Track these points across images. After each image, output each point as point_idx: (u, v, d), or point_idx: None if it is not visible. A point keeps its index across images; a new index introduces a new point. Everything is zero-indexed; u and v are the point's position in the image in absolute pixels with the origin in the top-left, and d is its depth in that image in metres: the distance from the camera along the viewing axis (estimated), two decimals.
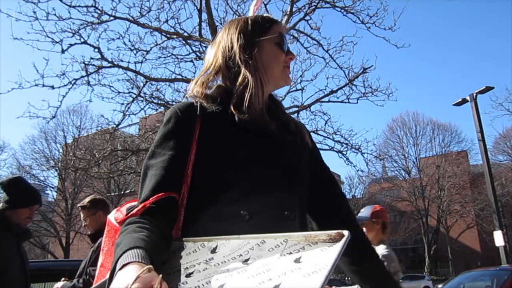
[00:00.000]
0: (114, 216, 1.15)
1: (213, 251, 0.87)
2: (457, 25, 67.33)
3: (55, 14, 8.02)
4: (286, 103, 10.10)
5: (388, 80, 22.52)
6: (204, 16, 8.76)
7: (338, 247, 0.74)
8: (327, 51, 9.61)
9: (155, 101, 9.85)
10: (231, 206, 1.03)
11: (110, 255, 1.11)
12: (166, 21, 8.86)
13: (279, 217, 1.05)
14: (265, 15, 1.28)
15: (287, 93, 10.23)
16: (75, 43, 8.35)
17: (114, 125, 9.81)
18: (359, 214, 3.41)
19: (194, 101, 1.15)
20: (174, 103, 10.15)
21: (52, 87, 8.25)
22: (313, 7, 9.18)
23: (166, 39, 9.29)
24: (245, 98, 1.11)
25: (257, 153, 1.09)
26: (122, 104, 9.36)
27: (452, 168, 32.46)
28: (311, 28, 9.45)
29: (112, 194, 27.17)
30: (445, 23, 66.96)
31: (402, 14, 9.60)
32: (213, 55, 1.22)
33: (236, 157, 1.07)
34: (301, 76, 10.27)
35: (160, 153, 1.07)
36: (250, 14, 1.31)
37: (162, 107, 10.31)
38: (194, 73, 10.34)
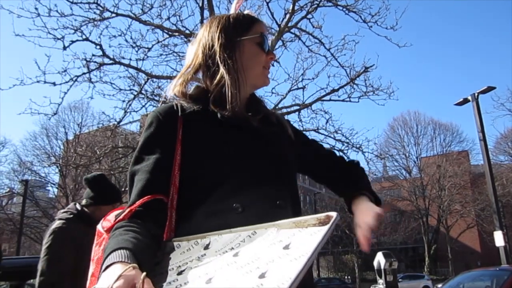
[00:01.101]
0: (102, 225, 1.14)
1: (206, 247, 0.87)
2: (459, 25, 67.21)
3: (57, 11, 8.03)
4: (287, 102, 10.13)
5: (389, 79, 22.53)
6: (206, 13, 8.76)
7: (325, 228, 0.75)
8: (328, 50, 9.60)
9: (157, 98, 9.84)
10: (223, 201, 1.03)
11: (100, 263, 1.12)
12: (168, 18, 8.86)
13: (271, 206, 1.05)
14: (246, 12, 1.27)
15: (289, 91, 10.24)
16: (77, 40, 8.35)
17: (115, 122, 9.81)
18: None
19: (174, 103, 1.15)
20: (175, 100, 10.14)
21: (54, 84, 8.26)
22: (315, 5, 9.17)
23: (167, 36, 9.28)
24: (225, 96, 1.12)
25: (243, 147, 1.10)
26: (124, 101, 9.36)
27: (453, 168, 32.45)
28: (313, 27, 9.44)
29: None
30: (447, 23, 66.84)
31: (404, 13, 9.61)
32: (193, 53, 1.22)
33: (223, 153, 1.08)
34: (302, 74, 10.25)
35: (144, 158, 1.07)
36: (232, 11, 1.30)
37: (164, 104, 10.30)
38: None
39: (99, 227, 1.16)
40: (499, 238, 13.28)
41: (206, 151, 1.08)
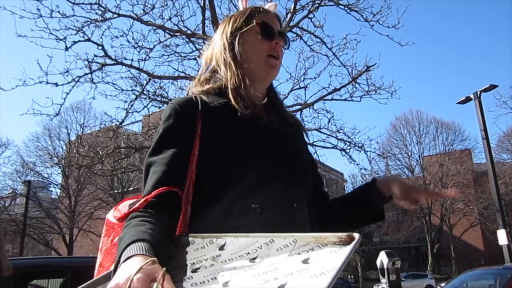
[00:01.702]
0: (112, 214, 1.14)
1: (221, 248, 0.87)
2: (461, 23, 67.07)
3: (59, 12, 8.05)
4: (289, 101, 10.09)
5: (391, 78, 22.47)
6: (208, 13, 8.75)
7: (347, 249, 0.73)
8: (330, 49, 9.59)
9: (158, 98, 9.86)
10: (241, 200, 1.02)
11: (109, 254, 1.11)
12: (170, 18, 8.86)
13: (289, 209, 1.05)
14: (249, 6, 1.28)
15: (291, 91, 10.22)
16: (79, 41, 8.37)
17: (118, 123, 9.83)
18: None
19: (193, 96, 1.14)
20: None
21: (56, 85, 8.28)
22: (317, 5, 9.16)
23: (169, 36, 9.29)
24: (236, 94, 1.12)
25: (262, 146, 1.09)
26: (126, 101, 9.38)
27: (456, 167, 32.38)
28: (315, 26, 9.42)
29: (115, 191, 27.25)
30: (449, 21, 66.69)
31: (405, 12, 9.60)
32: (208, 55, 1.24)
33: (242, 151, 1.07)
34: (304, 74, 10.23)
35: (161, 150, 1.06)
36: (240, 8, 1.31)
37: (165, 105, 10.30)
38: (197, 70, 10.34)
39: (108, 216, 1.15)
40: (502, 237, 13.24)
41: (224, 149, 1.07)
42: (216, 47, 1.21)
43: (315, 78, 10.29)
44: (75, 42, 8.31)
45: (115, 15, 8.53)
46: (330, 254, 0.74)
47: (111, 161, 11.07)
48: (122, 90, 9.38)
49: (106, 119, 10.28)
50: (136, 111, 9.58)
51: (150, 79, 9.38)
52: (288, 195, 1.06)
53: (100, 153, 10.23)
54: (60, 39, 8.10)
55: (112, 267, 0.83)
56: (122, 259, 0.79)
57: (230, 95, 1.12)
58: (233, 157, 1.06)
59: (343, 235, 0.75)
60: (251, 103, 1.12)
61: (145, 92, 9.45)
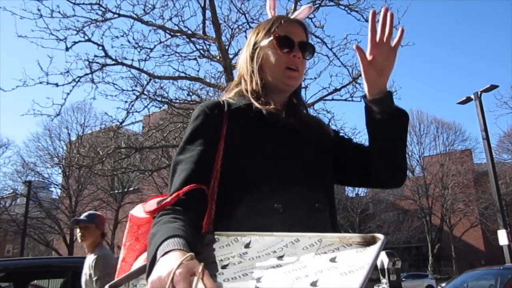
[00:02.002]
0: (140, 209, 1.16)
1: (247, 246, 0.89)
2: (461, 24, 67.07)
3: (59, 12, 8.05)
4: None
5: (392, 78, 22.36)
6: (208, 14, 8.75)
7: (375, 249, 0.75)
8: (331, 49, 9.57)
9: (159, 99, 9.87)
10: (263, 199, 1.05)
11: (132, 249, 1.14)
12: (170, 19, 8.87)
13: (310, 209, 1.08)
14: (272, 16, 1.32)
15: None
16: (79, 41, 8.37)
17: (118, 123, 9.84)
18: (82, 217, 3.60)
19: (220, 99, 1.19)
20: (177, 101, 10.16)
21: (56, 85, 8.28)
22: (317, 5, 9.16)
23: (170, 37, 9.29)
24: (258, 99, 1.17)
25: (284, 147, 1.13)
26: (126, 102, 9.38)
27: (456, 167, 32.37)
28: (315, 26, 9.41)
29: (116, 191, 27.26)
30: (449, 22, 66.70)
31: (406, 12, 9.57)
32: (238, 65, 1.33)
33: (265, 151, 1.10)
34: (304, 74, 10.21)
35: (189, 149, 1.11)
36: (269, 16, 1.34)
37: (166, 105, 10.32)
38: (198, 71, 10.33)
39: (133, 212, 1.18)
40: (503, 237, 13.23)
41: (247, 149, 1.11)
42: (242, 57, 1.29)
43: (315, 78, 10.33)
44: (75, 43, 8.31)
45: (116, 15, 8.53)
46: (356, 253, 0.76)
47: (111, 161, 11.08)
48: (123, 90, 9.39)
49: (107, 119, 10.31)
50: (136, 111, 9.60)
51: (150, 79, 9.39)
52: (310, 195, 1.10)
53: (101, 153, 10.23)
54: (61, 40, 8.10)
55: (142, 261, 0.87)
56: (159, 253, 0.82)
57: (252, 99, 1.17)
58: (255, 158, 1.10)
59: (367, 236, 0.78)
60: (271, 104, 1.16)
61: (145, 92, 9.46)
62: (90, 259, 3.34)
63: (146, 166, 12.38)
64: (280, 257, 0.81)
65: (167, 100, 9.94)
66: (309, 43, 1.27)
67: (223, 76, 9.25)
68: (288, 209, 1.04)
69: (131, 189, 28.00)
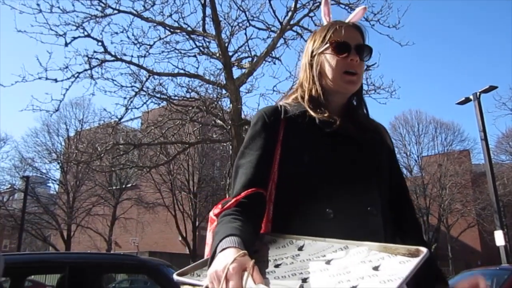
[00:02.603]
0: (214, 212, 1.23)
1: (300, 248, 0.98)
2: (461, 24, 67.07)
3: (58, 7, 8.03)
4: None
5: (391, 78, 22.48)
6: (208, 11, 8.74)
7: (415, 261, 0.81)
8: None
9: (158, 95, 9.86)
10: (316, 204, 1.12)
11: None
12: (170, 15, 8.86)
13: (362, 213, 1.12)
14: (327, 22, 1.37)
15: (290, 89, 10.19)
16: (79, 36, 8.35)
17: (117, 119, 9.81)
18: None
19: (278, 105, 1.27)
20: (176, 97, 10.15)
21: (55, 80, 8.26)
22: (318, 3, 9.14)
23: (169, 33, 9.28)
24: (315, 104, 1.23)
25: (338, 152, 1.18)
26: (125, 98, 9.38)
27: (454, 167, 32.38)
28: (315, 25, 9.40)
29: (114, 187, 27.24)
30: (449, 22, 66.69)
31: (406, 12, 9.57)
32: (297, 72, 1.40)
33: (318, 157, 1.16)
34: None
35: (249, 153, 1.19)
36: (324, 23, 1.38)
37: (165, 102, 10.30)
38: (197, 68, 10.34)
39: (211, 214, 1.25)
40: (499, 238, 13.27)
41: (301, 155, 1.17)
42: (301, 65, 1.36)
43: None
44: (75, 38, 8.30)
45: (115, 11, 8.52)
46: (399, 264, 0.82)
47: (109, 157, 11.09)
48: (122, 86, 9.39)
49: (105, 115, 10.33)
50: (135, 108, 9.60)
51: (149, 76, 9.38)
52: (362, 199, 1.14)
53: (99, 149, 10.22)
54: (60, 35, 8.09)
55: (206, 254, 1.04)
56: (218, 249, 0.94)
57: (307, 105, 1.24)
58: (308, 163, 1.16)
59: (412, 248, 0.84)
60: (326, 112, 1.22)
61: (144, 88, 9.45)
62: None
63: (144, 163, 12.38)
64: (328, 262, 0.89)
65: (166, 97, 9.93)
66: (366, 45, 1.31)
67: (223, 74, 9.24)
68: (339, 214, 1.10)
69: (129, 185, 27.96)
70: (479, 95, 15.06)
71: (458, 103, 16.05)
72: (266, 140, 1.19)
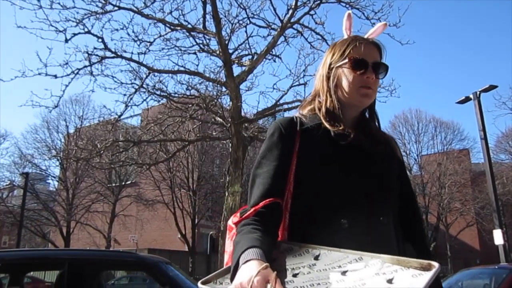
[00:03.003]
0: (232, 220, 1.27)
1: (316, 258, 1.01)
2: (462, 23, 67.02)
3: (59, 3, 8.02)
4: (288, 98, 10.11)
5: (391, 77, 22.34)
6: (209, 8, 8.73)
7: (428, 275, 0.84)
8: None
9: (158, 92, 9.85)
10: (331, 214, 1.15)
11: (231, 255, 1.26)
12: (170, 12, 8.84)
13: (375, 223, 1.17)
14: (347, 36, 1.39)
15: (290, 87, 10.22)
16: (79, 33, 8.36)
17: (116, 116, 9.82)
18: None
19: (294, 116, 1.30)
20: (176, 95, 10.15)
21: (55, 77, 8.26)
22: (318, 1, 9.15)
23: (170, 30, 9.28)
24: (330, 117, 1.27)
25: (352, 164, 1.22)
26: (125, 95, 9.38)
27: (454, 166, 32.40)
28: (316, 23, 9.42)
29: (113, 184, 27.24)
30: (450, 21, 66.64)
31: (407, 10, 9.56)
32: (314, 82, 1.42)
33: (333, 168, 1.20)
34: (304, 70, 10.23)
35: (266, 164, 1.23)
36: (345, 36, 1.41)
37: (164, 99, 10.30)
38: (197, 65, 10.32)
39: (229, 222, 1.29)
40: (498, 237, 13.28)
41: (317, 165, 1.21)
42: (317, 76, 1.39)
43: (314, 75, 10.24)
44: (75, 34, 8.30)
45: (116, 8, 8.51)
46: (411, 277, 0.85)
47: (109, 154, 11.06)
48: (122, 83, 9.39)
49: (105, 112, 10.30)
50: (135, 105, 9.60)
51: (149, 73, 9.37)
52: (374, 210, 1.18)
53: (99, 146, 10.22)
54: (60, 31, 8.09)
55: (225, 262, 1.09)
56: (242, 261, 0.98)
57: (323, 118, 1.28)
58: (323, 175, 1.20)
59: (424, 262, 0.87)
60: (341, 125, 1.26)
61: (144, 85, 9.45)
62: None
63: (144, 160, 12.39)
64: (344, 273, 0.92)
65: (166, 94, 9.93)
66: (382, 63, 1.33)
67: (223, 71, 9.24)
68: (353, 224, 1.14)
69: (129, 182, 27.98)
70: (479, 94, 15.05)
71: (458, 102, 16.04)
72: (283, 151, 1.23)
